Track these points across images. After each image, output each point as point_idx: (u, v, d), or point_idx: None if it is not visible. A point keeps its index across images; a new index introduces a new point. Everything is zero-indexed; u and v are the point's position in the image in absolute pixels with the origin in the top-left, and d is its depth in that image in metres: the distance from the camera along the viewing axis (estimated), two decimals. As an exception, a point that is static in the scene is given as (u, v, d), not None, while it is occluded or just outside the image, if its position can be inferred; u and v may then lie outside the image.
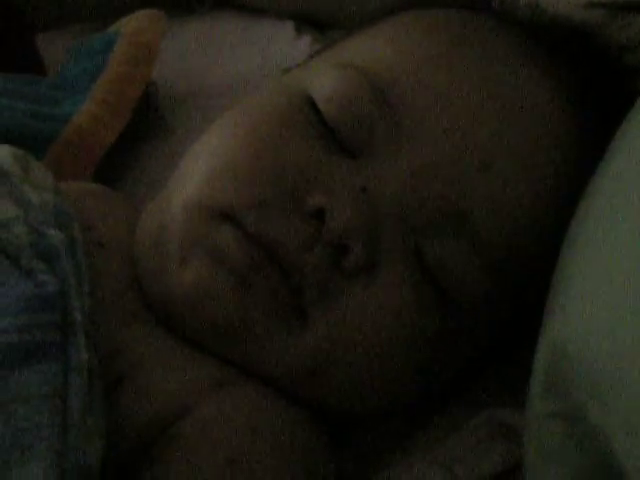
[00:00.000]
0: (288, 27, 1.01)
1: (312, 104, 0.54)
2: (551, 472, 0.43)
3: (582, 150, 0.55)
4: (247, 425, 0.50)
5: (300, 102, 0.54)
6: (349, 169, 0.52)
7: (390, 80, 0.53)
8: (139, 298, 0.54)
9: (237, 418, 0.50)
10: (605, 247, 0.44)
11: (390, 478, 0.54)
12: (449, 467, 0.53)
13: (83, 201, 0.59)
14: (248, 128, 0.54)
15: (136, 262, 0.55)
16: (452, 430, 0.56)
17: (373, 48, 0.56)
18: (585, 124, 0.56)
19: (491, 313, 0.54)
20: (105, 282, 0.53)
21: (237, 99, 0.87)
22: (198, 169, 0.54)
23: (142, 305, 0.53)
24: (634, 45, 0.62)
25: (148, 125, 0.87)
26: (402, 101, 0.53)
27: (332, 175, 0.52)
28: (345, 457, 0.56)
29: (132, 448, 0.48)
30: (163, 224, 0.54)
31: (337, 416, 0.55)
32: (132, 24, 0.90)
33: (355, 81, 0.53)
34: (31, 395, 0.43)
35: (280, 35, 1.00)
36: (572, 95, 0.57)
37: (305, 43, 0.98)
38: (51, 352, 0.44)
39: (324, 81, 0.54)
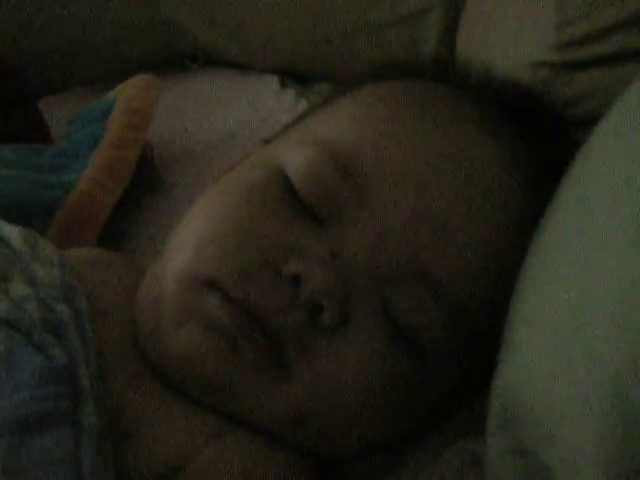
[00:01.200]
0: (273, 81, 1.07)
1: (286, 178, 0.60)
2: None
3: (531, 203, 0.61)
4: (242, 470, 0.56)
5: (275, 177, 0.61)
6: (320, 237, 0.58)
7: (352, 155, 0.60)
8: (140, 359, 0.60)
9: (232, 465, 0.56)
10: (542, 297, 0.50)
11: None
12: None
13: (87, 271, 0.65)
14: (229, 204, 0.60)
15: (136, 327, 0.61)
16: (429, 461, 0.61)
17: (337, 125, 0.62)
18: (533, 178, 0.62)
19: (459, 353, 0.60)
20: (109, 348, 0.59)
21: (228, 154, 0.94)
22: (185, 243, 0.60)
23: (143, 365, 0.60)
24: (575, 100, 0.68)
25: (147, 185, 0.93)
26: (364, 173, 0.59)
27: (306, 243, 0.58)
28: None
29: None
30: (158, 294, 0.60)
31: (326, 457, 0.61)
32: (127, 91, 0.96)
33: (321, 158, 0.60)
34: (47, 459, 0.49)
35: (266, 89, 1.06)
36: (520, 153, 0.63)
37: (289, 96, 1.04)
38: (63, 419, 0.50)
39: (294, 157, 0.61)
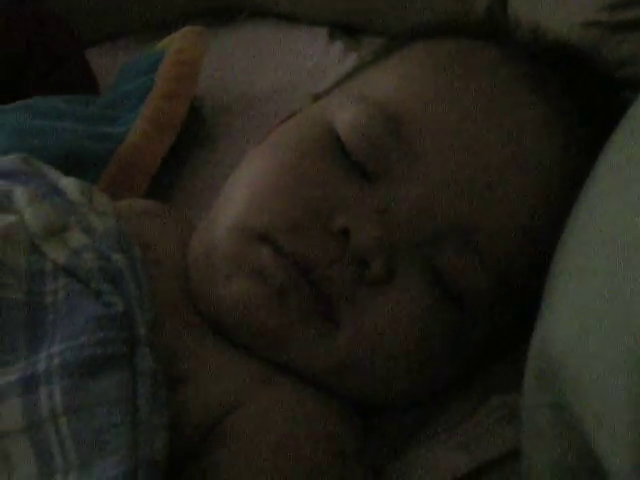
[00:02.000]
0: (321, 34, 1.07)
1: (336, 135, 0.62)
2: (540, 456, 0.51)
3: (578, 164, 0.61)
4: (289, 417, 0.58)
5: (325, 134, 0.62)
6: (369, 193, 0.60)
7: (402, 112, 0.61)
8: (192, 309, 0.62)
9: (280, 412, 0.58)
10: (582, 255, 0.51)
11: (412, 459, 0.61)
12: (466, 447, 0.61)
13: (140, 221, 0.67)
14: (280, 159, 0.62)
15: (188, 277, 0.63)
16: (468, 414, 0.63)
17: (387, 83, 0.63)
18: (580, 141, 0.63)
19: (500, 311, 0.61)
20: (162, 296, 0.61)
21: (275, 107, 0.95)
22: (238, 196, 0.62)
23: (194, 315, 0.62)
24: (626, 61, 0.68)
25: (195, 137, 0.95)
26: (412, 131, 0.60)
27: (354, 199, 0.59)
28: (371, 440, 0.63)
29: (189, 443, 0.56)
30: (210, 245, 0.62)
31: (367, 405, 0.63)
32: (176, 42, 0.97)
33: (372, 115, 0.61)
34: (107, 399, 0.51)
35: (314, 42, 1.06)
36: (569, 114, 0.63)
37: (337, 49, 1.04)
38: (121, 363, 0.53)
39: (345, 113, 0.62)
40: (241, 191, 0.62)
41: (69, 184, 0.65)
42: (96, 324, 0.53)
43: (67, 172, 0.76)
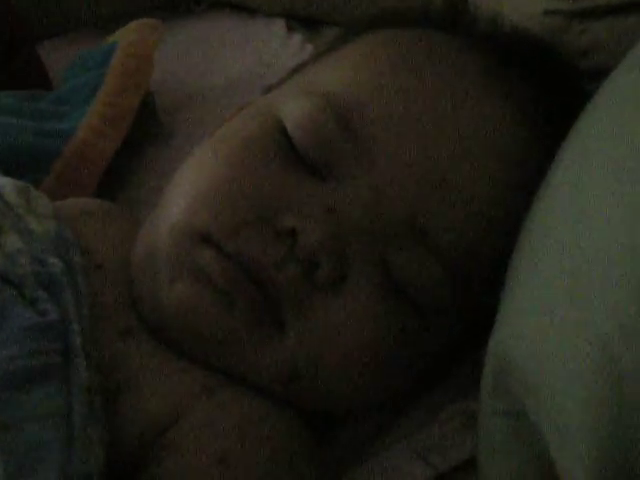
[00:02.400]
0: (279, 26, 1.05)
1: (283, 129, 0.59)
2: (498, 466, 0.48)
3: (537, 159, 0.59)
4: (234, 427, 0.55)
5: (272, 128, 0.59)
6: (317, 191, 0.57)
7: (352, 106, 0.58)
8: (134, 314, 0.59)
9: (225, 421, 0.55)
10: (539, 259, 0.49)
11: (370, 470, 0.59)
12: (425, 457, 0.58)
13: (83, 223, 0.64)
14: (224, 156, 0.59)
15: (131, 281, 0.60)
16: (426, 421, 0.61)
17: (339, 75, 0.60)
18: (542, 133, 0.61)
19: (456, 314, 0.59)
20: (102, 301, 0.58)
21: (232, 101, 0.92)
22: (180, 196, 0.59)
23: (136, 321, 0.59)
24: (588, 50, 0.66)
25: (148, 133, 0.92)
26: (364, 126, 0.57)
27: (302, 197, 0.56)
28: (326, 450, 0.61)
29: (131, 454, 0.53)
30: (152, 247, 0.59)
31: (318, 414, 0.60)
32: (128, 35, 0.94)
33: (321, 109, 0.58)
34: (38, 414, 0.48)
35: (272, 34, 1.04)
36: (528, 107, 0.61)
37: (296, 41, 1.02)
38: (54, 374, 0.49)
39: (293, 108, 0.59)
40: (183, 189, 0.59)
41: (6, 185, 0.61)
42: (28, 334, 0.50)
43: (12, 170, 0.73)
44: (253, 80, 0.96)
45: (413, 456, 0.59)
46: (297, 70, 0.68)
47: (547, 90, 0.63)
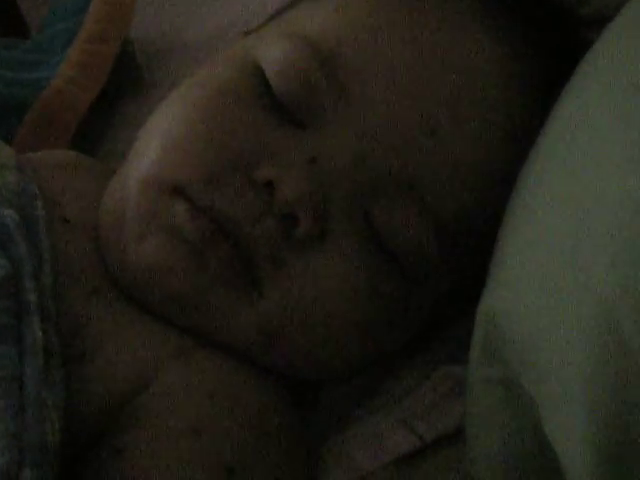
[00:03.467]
0: (268, -28, 1.00)
1: (262, 75, 0.55)
2: (486, 435, 0.45)
3: (532, 112, 0.55)
4: (208, 392, 0.51)
5: (250, 73, 0.55)
6: (298, 140, 0.53)
7: (336, 50, 0.54)
8: (102, 272, 0.55)
9: (197, 385, 0.52)
10: (534, 220, 0.45)
11: (353, 436, 0.55)
12: (410, 424, 0.55)
13: (51, 175, 0.60)
14: (198, 103, 0.55)
15: (99, 237, 0.56)
16: (414, 386, 0.57)
17: (321, 17, 0.56)
18: (536, 84, 0.57)
19: (443, 274, 0.55)
20: (68, 258, 0.54)
21: (215, 53, 0.88)
22: (151, 146, 0.55)
23: (105, 279, 0.55)
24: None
25: (127, 83, 0.88)
26: (348, 71, 0.53)
27: (281, 147, 0.53)
28: (309, 416, 0.58)
29: (97, 421, 0.50)
30: (121, 201, 0.55)
31: (298, 378, 0.57)
32: (108, -19, 0.90)
33: (302, 52, 0.54)
34: None
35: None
36: (523, 56, 0.57)
37: (282, -9, 0.97)
38: (5, 336, 0.46)
39: (273, 52, 0.55)
40: (154, 140, 0.55)
41: None
42: None
43: (-19, 120, 0.70)
44: (240, 30, 0.92)
45: (398, 423, 0.56)
46: (277, 14, 0.64)
47: (544, 38, 0.58)
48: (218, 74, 0.56)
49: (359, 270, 0.53)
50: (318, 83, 0.53)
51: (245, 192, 0.52)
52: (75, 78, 0.80)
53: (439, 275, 0.55)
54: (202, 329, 0.53)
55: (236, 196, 0.52)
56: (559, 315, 0.40)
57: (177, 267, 0.52)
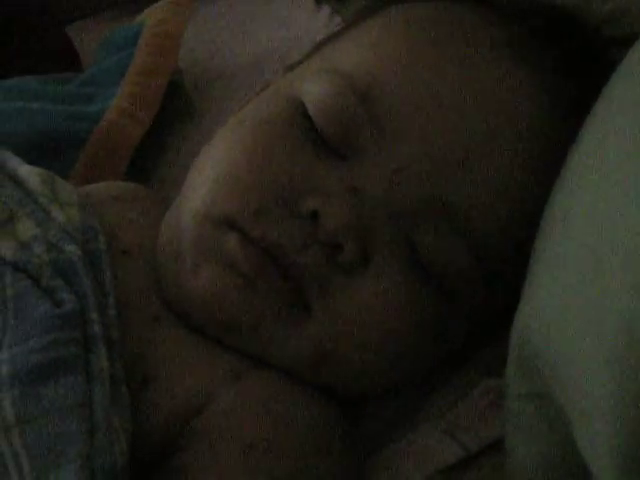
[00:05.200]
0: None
1: (304, 110, 0.58)
2: (525, 447, 0.47)
3: (560, 135, 0.57)
4: (264, 411, 0.55)
5: (293, 109, 0.58)
6: (339, 171, 0.56)
7: (372, 85, 0.57)
8: (161, 301, 0.59)
9: (254, 406, 0.55)
10: (563, 237, 0.48)
11: (399, 449, 0.58)
12: (455, 436, 0.58)
13: (110, 208, 0.64)
14: (244, 139, 0.58)
15: (157, 268, 0.60)
16: (457, 400, 0.60)
17: (357, 52, 0.59)
18: (564, 108, 0.59)
19: (483, 292, 0.58)
20: (129, 289, 0.58)
21: (261, 77, 0.91)
22: (202, 181, 0.58)
23: (163, 307, 0.58)
24: (613, 18, 0.64)
25: (178, 113, 0.91)
26: (384, 105, 0.56)
27: (324, 178, 0.56)
28: (355, 429, 0.60)
29: (157, 443, 0.53)
30: (176, 234, 0.58)
31: (347, 396, 0.60)
32: (156, 14, 0.93)
33: (340, 88, 0.57)
34: (59, 407, 0.48)
35: (300, 7, 1.02)
36: (551, 80, 0.59)
37: (324, 15, 1.00)
38: (74, 365, 0.49)
39: (313, 88, 0.58)
40: (204, 174, 0.59)
41: (30, 173, 0.61)
42: (46, 325, 0.50)
43: (41, 156, 0.74)
44: (282, 55, 0.95)
45: (443, 435, 0.58)
46: (318, 48, 0.67)
47: (572, 60, 0.61)
48: (262, 110, 0.60)
49: (402, 291, 0.56)
50: (357, 118, 0.56)
51: (292, 223, 0.55)
52: (128, 110, 0.83)
53: (477, 294, 0.58)
54: (257, 353, 0.57)
55: (284, 227, 0.55)
56: (585, 332, 0.42)
57: (230, 296, 0.55)
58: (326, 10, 1.00)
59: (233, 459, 0.53)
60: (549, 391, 0.45)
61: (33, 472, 0.46)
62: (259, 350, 0.57)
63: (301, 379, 0.57)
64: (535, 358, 0.46)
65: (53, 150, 0.79)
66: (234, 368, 0.56)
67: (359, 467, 0.59)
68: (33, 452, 0.47)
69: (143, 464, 0.52)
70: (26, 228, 0.56)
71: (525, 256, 0.53)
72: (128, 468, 0.49)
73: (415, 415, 0.60)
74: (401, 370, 0.59)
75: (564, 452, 0.45)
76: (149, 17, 0.94)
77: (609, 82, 0.52)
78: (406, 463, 0.58)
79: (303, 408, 0.56)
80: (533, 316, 0.47)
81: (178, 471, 0.52)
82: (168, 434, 0.54)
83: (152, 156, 0.87)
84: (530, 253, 0.53)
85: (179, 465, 0.52)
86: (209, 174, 0.58)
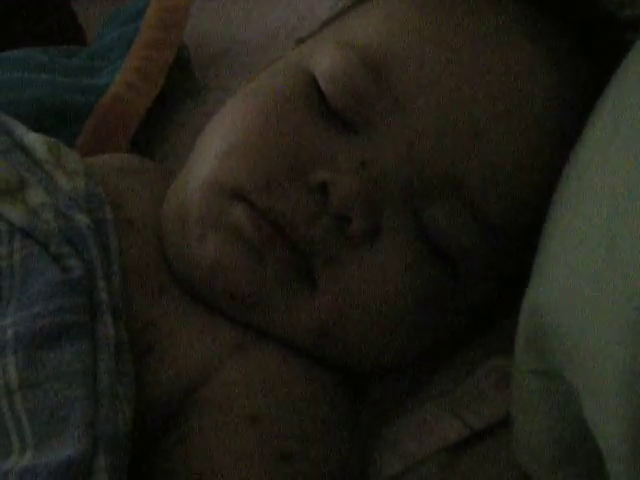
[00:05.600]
0: (315, -24, 1.02)
1: (315, 83, 0.57)
2: (532, 423, 0.47)
3: (573, 112, 0.57)
4: (265, 382, 0.55)
5: (304, 81, 0.58)
6: (350, 144, 0.55)
7: (385, 58, 0.56)
8: (166, 271, 0.58)
9: (257, 378, 0.55)
10: (575, 215, 0.47)
11: (403, 426, 0.58)
12: (459, 414, 0.58)
13: (115, 179, 0.63)
14: (255, 110, 0.58)
15: (162, 237, 0.59)
16: (462, 378, 0.60)
17: (369, 26, 0.59)
18: (577, 86, 0.58)
19: (491, 271, 0.57)
20: (134, 258, 0.57)
21: (267, 55, 0.91)
22: (211, 151, 0.58)
23: (169, 277, 0.58)
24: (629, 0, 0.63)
25: (183, 88, 0.90)
26: (397, 77, 0.56)
27: (334, 151, 0.55)
28: (361, 407, 0.60)
29: (160, 412, 0.53)
30: (183, 203, 0.58)
31: (353, 371, 0.59)
32: (163, -12, 0.93)
33: (352, 61, 0.56)
34: (65, 372, 0.48)
35: (308, -15, 1.02)
36: (564, 59, 0.59)
37: (331, -5, 1.00)
38: (80, 332, 0.49)
39: (324, 61, 0.58)
40: (213, 145, 0.58)
41: (36, 141, 0.61)
42: (52, 291, 0.50)
43: (46, 126, 0.73)
44: (289, 33, 0.94)
45: (447, 414, 0.58)
46: (328, 22, 0.66)
47: (586, 41, 0.60)
48: (273, 82, 0.59)
49: (410, 266, 0.55)
50: (368, 90, 0.56)
51: (301, 195, 0.55)
52: (133, 84, 0.83)
53: (486, 270, 0.57)
54: (261, 324, 0.56)
55: (293, 199, 0.55)
56: (597, 309, 0.42)
57: (237, 265, 0.55)
58: (334, -11, 0.99)
59: (234, 430, 0.53)
60: (559, 368, 0.45)
61: (35, 437, 0.46)
62: (264, 321, 0.56)
63: (305, 352, 0.57)
64: (545, 336, 0.46)
65: (58, 121, 0.79)
66: (238, 340, 0.56)
67: (362, 442, 0.58)
68: (35, 417, 0.46)
69: (146, 435, 0.52)
70: (36, 195, 0.55)
71: (535, 235, 0.53)
72: (131, 436, 0.49)
73: (419, 393, 0.60)
74: (405, 345, 0.58)
75: (572, 429, 0.44)
76: (156, -9, 0.92)
77: (625, 59, 0.52)
78: (411, 440, 0.58)
79: (306, 381, 0.56)
80: (544, 294, 0.47)
81: (181, 439, 0.52)
82: (171, 404, 0.53)
83: (155, 131, 0.86)
84: (540, 232, 0.53)
85: (182, 433, 0.52)
86: (219, 144, 0.58)
